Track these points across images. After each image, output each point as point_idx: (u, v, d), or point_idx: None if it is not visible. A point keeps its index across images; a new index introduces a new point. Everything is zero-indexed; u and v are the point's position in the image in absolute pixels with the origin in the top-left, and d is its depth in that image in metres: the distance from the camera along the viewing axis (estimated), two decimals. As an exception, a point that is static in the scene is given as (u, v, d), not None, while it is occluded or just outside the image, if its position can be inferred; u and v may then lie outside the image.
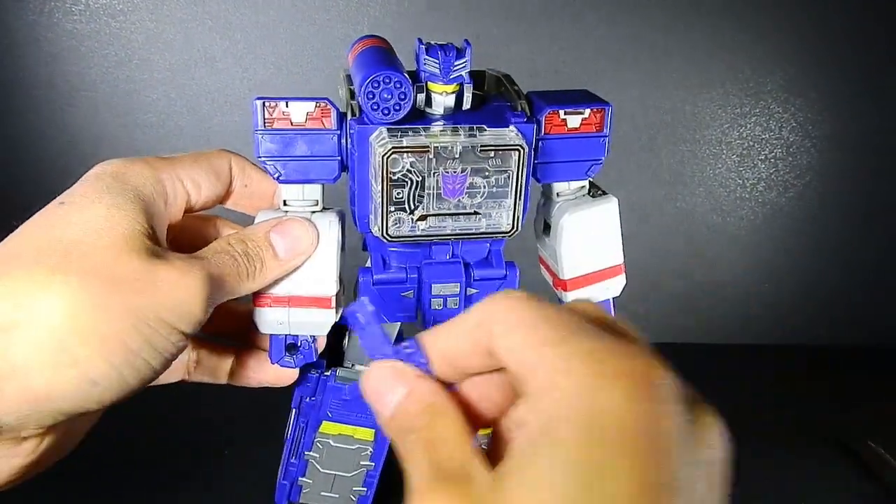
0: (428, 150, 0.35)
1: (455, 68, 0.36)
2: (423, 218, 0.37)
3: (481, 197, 0.37)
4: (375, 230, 0.37)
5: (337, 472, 0.47)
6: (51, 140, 0.86)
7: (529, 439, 0.22)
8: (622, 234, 0.44)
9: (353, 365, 0.47)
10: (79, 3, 0.82)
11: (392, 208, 0.36)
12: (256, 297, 0.39)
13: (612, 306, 0.46)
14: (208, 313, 0.33)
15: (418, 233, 0.37)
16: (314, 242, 0.38)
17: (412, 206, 0.36)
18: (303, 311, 0.39)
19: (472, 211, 0.37)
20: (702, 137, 0.93)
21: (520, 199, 0.37)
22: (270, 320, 0.39)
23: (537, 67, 0.87)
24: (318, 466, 0.47)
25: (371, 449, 0.47)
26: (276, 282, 0.38)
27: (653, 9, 0.87)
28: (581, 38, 0.87)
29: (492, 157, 0.36)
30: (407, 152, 0.35)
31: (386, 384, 0.27)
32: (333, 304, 0.40)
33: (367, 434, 0.46)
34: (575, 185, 0.43)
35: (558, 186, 0.43)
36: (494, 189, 0.37)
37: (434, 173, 0.35)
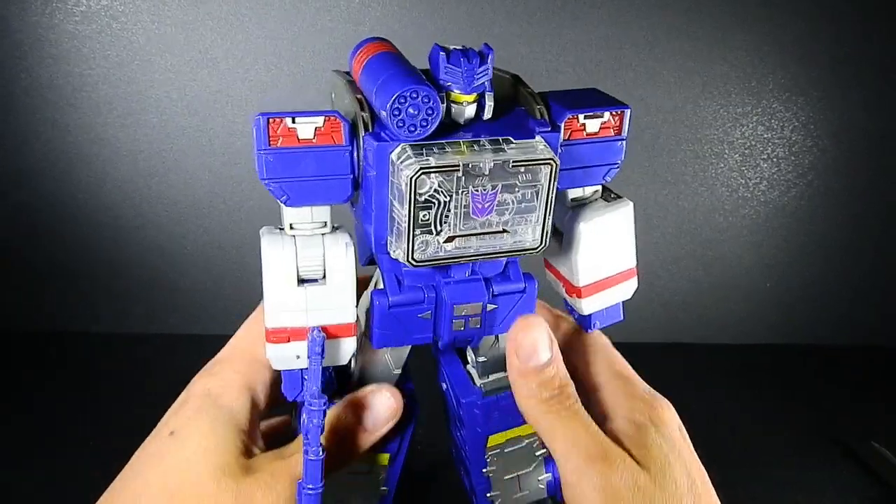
0: (457, 169, 0.32)
1: (478, 76, 0.34)
2: (449, 239, 0.34)
3: (510, 214, 0.35)
4: (399, 255, 0.34)
5: (351, 499, 0.45)
6: (52, 141, 0.86)
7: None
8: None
9: None
10: (80, 5, 0.82)
11: (418, 231, 0.33)
12: (270, 332, 0.36)
13: (621, 310, 0.45)
14: None
15: (443, 255, 0.35)
16: (399, 405, 0.40)
17: (438, 228, 0.34)
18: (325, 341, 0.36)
19: (500, 229, 0.35)
20: (704, 137, 0.92)
21: (549, 213, 0.35)
22: (287, 356, 0.37)
23: (539, 68, 0.87)
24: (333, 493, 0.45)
25: (384, 474, 0.45)
26: (292, 314, 0.36)
27: (654, 9, 0.86)
28: (582, 38, 0.87)
29: (522, 173, 0.34)
30: (435, 172, 0.32)
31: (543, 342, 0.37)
32: (353, 331, 0.37)
33: (381, 459, 0.45)
34: (589, 189, 0.42)
35: (573, 192, 0.42)
36: (522, 204, 0.35)
37: (463, 192, 0.33)
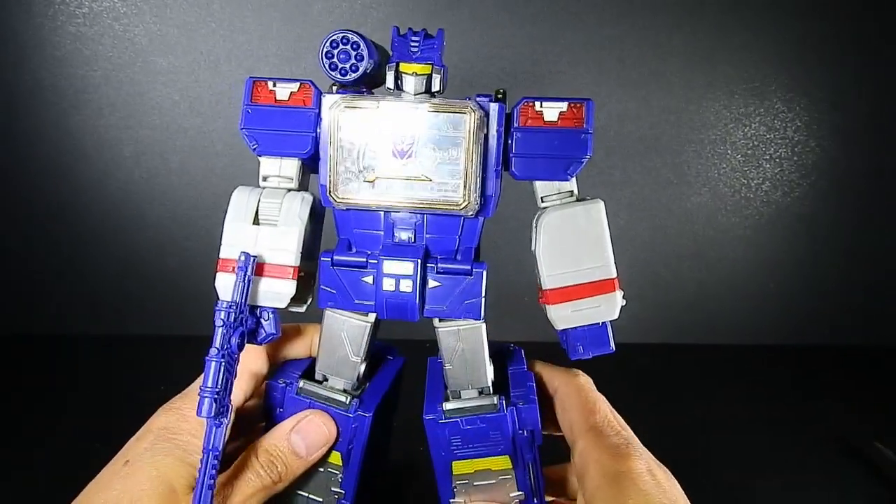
0: (377, 106, 0.37)
1: (422, 47, 0.38)
2: (372, 181, 0.38)
3: (433, 164, 0.38)
4: (328, 194, 0.39)
5: (310, 495, 0.44)
6: (55, 142, 0.86)
7: None
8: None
9: (324, 378, 0.44)
10: (83, 7, 0.82)
11: (341, 168, 0.38)
12: (220, 262, 0.40)
13: (610, 337, 0.41)
14: None
15: (370, 197, 0.39)
16: (333, 433, 0.42)
17: (361, 167, 0.38)
18: (263, 279, 0.40)
19: (423, 177, 0.38)
20: (706, 137, 0.92)
21: (471, 166, 0.37)
22: (231, 287, 0.39)
23: (541, 69, 0.87)
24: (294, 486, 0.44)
25: (341, 475, 0.44)
26: (242, 248, 0.40)
27: (657, 10, 0.86)
28: (585, 38, 0.87)
29: (442, 122, 0.37)
30: (356, 108, 0.37)
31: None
32: (293, 274, 0.40)
33: (333, 457, 0.43)
34: (560, 190, 0.40)
35: (542, 189, 0.40)
36: (448, 161, 0.38)
37: (383, 134, 0.37)
